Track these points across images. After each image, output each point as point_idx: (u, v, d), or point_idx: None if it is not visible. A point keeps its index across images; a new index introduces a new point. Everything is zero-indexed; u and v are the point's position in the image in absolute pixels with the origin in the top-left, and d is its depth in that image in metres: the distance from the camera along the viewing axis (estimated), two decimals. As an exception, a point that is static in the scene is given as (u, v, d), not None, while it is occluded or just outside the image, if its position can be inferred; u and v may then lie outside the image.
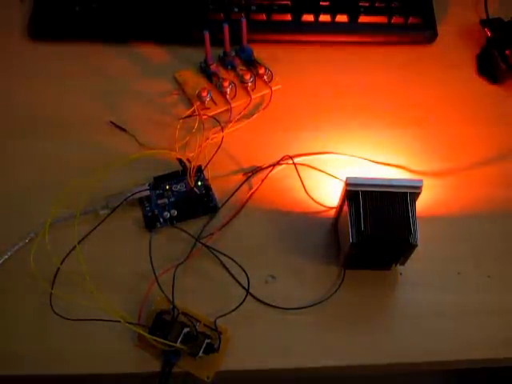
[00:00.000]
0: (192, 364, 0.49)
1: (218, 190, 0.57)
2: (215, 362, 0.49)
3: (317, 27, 0.67)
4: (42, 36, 0.67)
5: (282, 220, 0.56)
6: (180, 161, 0.57)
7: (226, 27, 0.59)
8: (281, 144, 0.60)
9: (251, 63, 0.64)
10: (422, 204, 0.52)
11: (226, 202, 0.57)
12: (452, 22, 0.69)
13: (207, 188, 0.57)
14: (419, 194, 0.49)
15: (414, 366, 0.52)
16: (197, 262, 0.54)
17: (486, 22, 0.66)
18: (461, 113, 0.63)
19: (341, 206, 0.52)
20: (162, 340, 0.47)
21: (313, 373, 0.51)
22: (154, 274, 0.51)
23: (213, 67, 0.63)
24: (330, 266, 0.54)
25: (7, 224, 0.55)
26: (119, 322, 0.48)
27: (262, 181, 0.58)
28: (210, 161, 0.57)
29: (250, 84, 0.62)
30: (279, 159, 0.59)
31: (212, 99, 0.62)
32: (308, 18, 0.66)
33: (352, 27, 0.67)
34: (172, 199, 0.57)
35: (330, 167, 0.59)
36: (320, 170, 0.59)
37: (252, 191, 0.58)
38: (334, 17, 0.66)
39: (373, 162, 0.59)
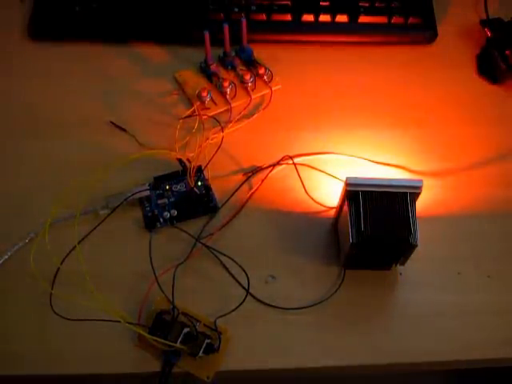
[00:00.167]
0: (192, 364, 0.49)
1: (218, 190, 0.57)
2: (215, 362, 0.49)
3: (317, 27, 0.67)
4: (42, 36, 0.67)
5: (282, 220, 0.56)
6: (180, 161, 0.57)
7: (226, 27, 0.59)
8: (281, 144, 0.60)
9: (251, 63, 0.64)
10: (421, 204, 0.52)
11: (226, 202, 0.57)
12: (452, 22, 0.69)
13: (207, 188, 0.57)
14: (419, 194, 0.49)
15: (414, 366, 0.52)
16: (197, 262, 0.54)
17: (485, 22, 0.66)
18: (461, 113, 0.63)
19: (341, 206, 0.52)
20: (162, 340, 0.47)
21: (313, 373, 0.51)
22: (154, 274, 0.51)
23: (213, 67, 0.63)
24: (330, 266, 0.54)
25: (7, 224, 0.55)
26: (119, 322, 0.48)
27: (262, 181, 0.58)
28: (209, 161, 0.57)
29: (250, 84, 0.62)
30: (279, 159, 0.59)
31: (212, 99, 0.62)
32: (308, 18, 0.66)
33: (352, 27, 0.67)
34: (172, 199, 0.57)
35: (330, 167, 0.59)
36: (320, 170, 0.59)
37: (252, 191, 0.58)
38: (333, 17, 0.66)
39: (373, 162, 0.59)
